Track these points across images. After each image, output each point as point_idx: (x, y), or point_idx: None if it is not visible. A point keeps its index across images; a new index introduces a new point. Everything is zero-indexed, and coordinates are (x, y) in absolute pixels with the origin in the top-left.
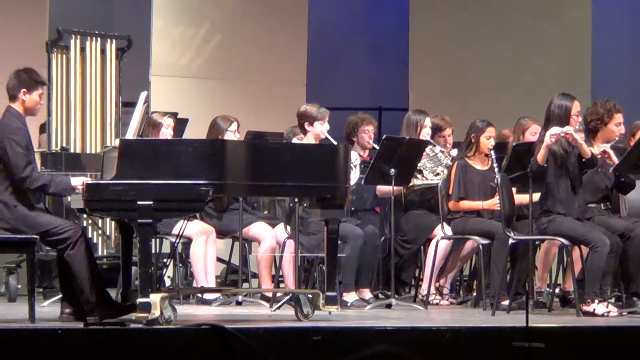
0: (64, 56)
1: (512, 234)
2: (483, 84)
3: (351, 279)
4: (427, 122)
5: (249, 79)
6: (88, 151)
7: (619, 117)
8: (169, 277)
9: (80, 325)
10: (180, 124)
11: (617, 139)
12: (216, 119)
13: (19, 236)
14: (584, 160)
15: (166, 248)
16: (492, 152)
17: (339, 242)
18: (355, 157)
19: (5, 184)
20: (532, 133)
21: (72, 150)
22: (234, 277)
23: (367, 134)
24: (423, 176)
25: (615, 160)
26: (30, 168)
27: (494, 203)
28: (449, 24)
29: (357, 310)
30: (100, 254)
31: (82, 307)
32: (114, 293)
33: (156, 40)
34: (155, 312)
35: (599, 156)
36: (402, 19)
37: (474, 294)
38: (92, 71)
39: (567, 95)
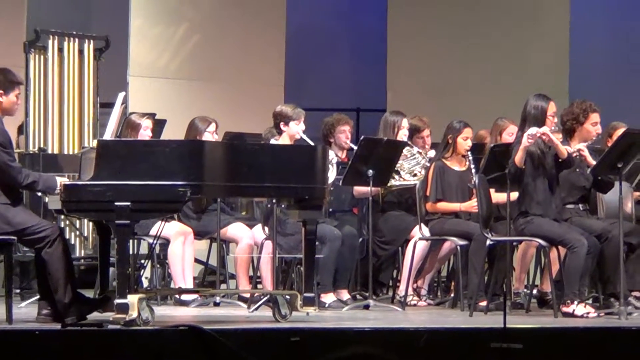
0: (42, 57)
1: (489, 235)
2: (461, 85)
3: (329, 280)
4: (405, 123)
5: (227, 79)
6: (66, 152)
7: (595, 117)
8: (146, 278)
9: (58, 326)
10: (158, 125)
11: (594, 138)
12: (194, 120)
13: None
14: (560, 160)
15: (144, 249)
16: (469, 153)
17: (317, 243)
18: (332, 155)
19: None
20: (509, 134)
21: (49, 151)
22: (211, 278)
23: (344, 133)
24: (400, 177)
25: (591, 160)
26: (18, 165)
27: (471, 205)
28: (427, 25)
29: (335, 311)
30: (77, 255)
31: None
32: (91, 294)
33: (134, 40)
34: (133, 313)
35: (575, 155)
36: (380, 20)
37: (452, 295)
38: (70, 72)
39: (542, 96)
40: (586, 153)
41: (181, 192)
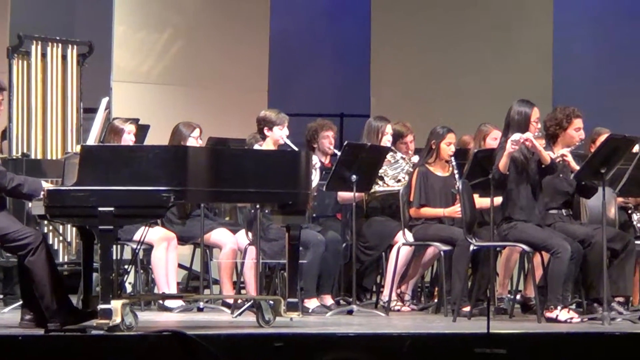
0: (25, 62)
1: (473, 241)
2: (444, 91)
3: (312, 285)
4: (388, 128)
5: (210, 85)
6: (49, 157)
7: (578, 122)
8: (130, 283)
9: (41, 331)
10: (142, 130)
11: (577, 144)
12: (178, 125)
13: None
14: (543, 166)
15: (127, 254)
16: (453, 158)
17: (300, 248)
18: (315, 159)
19: None
20: (492, 138)
21: (32, 156)
22: (195, 284)
23: (327, 139)
24: (384, 183)
25: (574, 165)
26: (3, 169)
27: (455, 211)
28: (410, 31)
29: (319, 316)
30: (61, 260)
31: (43, 313)
32: (75, 299)
33: (117, 46)
34: (117, 319)
35: (558, 160)
36: (363, 26)
37: (435, 300)
38: (53, 77)
39: (526, 102)
40: (570, 158)
41: (165, 197)
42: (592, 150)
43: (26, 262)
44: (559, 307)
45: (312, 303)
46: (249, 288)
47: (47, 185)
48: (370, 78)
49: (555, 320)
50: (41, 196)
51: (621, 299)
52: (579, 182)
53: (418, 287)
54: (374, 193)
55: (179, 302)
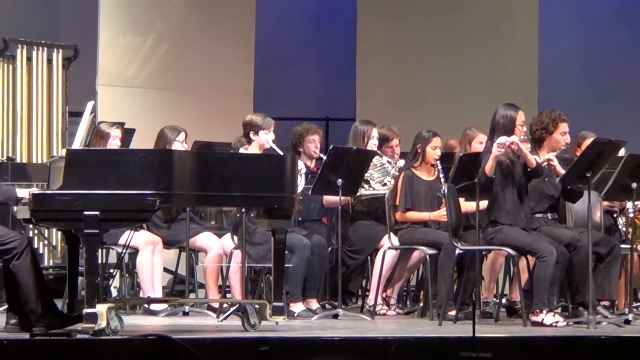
0: (10, 66)
1: (459, 244)
2: (430, 95)
3: (298, 289)
4: (374, 132)
5: (196, 89)
6: (34, 161)
7: (564, 127)
8: (115, 287)
9: (26, 335)
10: (127, 134)
11: (563, 148)
12: (164, 129)
13: None
14: (529, 170)
15: (113, 258)
16: (438, 162)
17: (286, 252)
18: (300, 165)
19: None
20: (478, 142)
21: (18, 160)
22: (180, 288)
23: (313, 143)
24: (370, 186)
25: (560, 170)
26: None
27: (440, 214)
28: (396, 35)
29: (304, 320)
30: (46, 264)
31: (28, 317)
32: (60, 303)
33: (103, 50)
34: (102, 323)
35: (544, 165)
36: (349, 30)
37: (421, 304)
38: (39, 81)
39: (511, 105)
40: (555, 163)
41: (150, 201)
42: (578, 154)
43: (11, 266)
44: (544, 311)
45: (297, 307)
46: (234, 292)
47: (21, 191)
48: (356, 82)
49: (540, 324)
50: (24, 202)
51: (607, 303)
52: (565, 186)
53: (404, 291)
54: (359, 197)
55: (164, 306)
